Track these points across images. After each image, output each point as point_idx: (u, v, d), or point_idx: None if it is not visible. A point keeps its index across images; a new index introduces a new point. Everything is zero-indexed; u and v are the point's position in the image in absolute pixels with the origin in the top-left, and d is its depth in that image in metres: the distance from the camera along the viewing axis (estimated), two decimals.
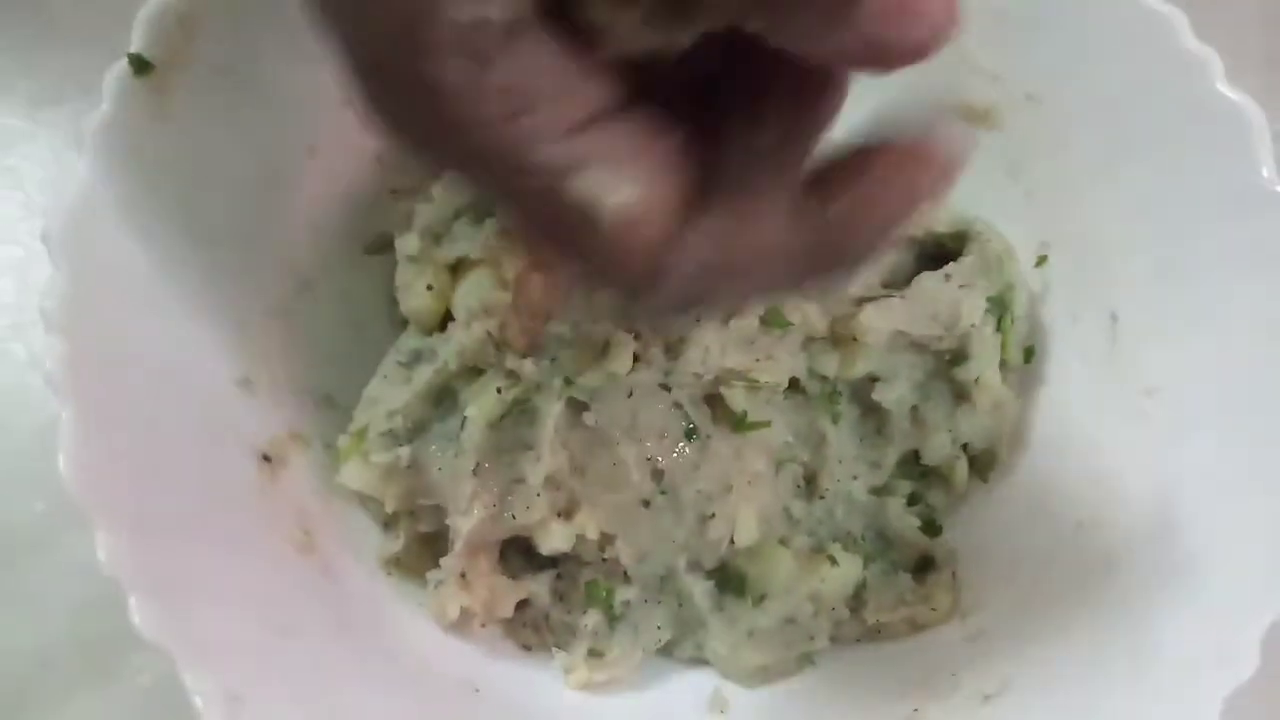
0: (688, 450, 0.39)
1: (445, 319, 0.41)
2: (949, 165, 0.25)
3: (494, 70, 0.21)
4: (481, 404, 0.39)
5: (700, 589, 0.40)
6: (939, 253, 0.43)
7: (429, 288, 0.41)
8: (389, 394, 0.41)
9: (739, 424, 0.40)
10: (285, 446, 0.40)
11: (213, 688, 0.30)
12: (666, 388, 0.39)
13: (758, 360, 0.39)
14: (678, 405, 0.39)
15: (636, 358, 0.38)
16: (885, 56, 0.22)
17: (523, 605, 0.40)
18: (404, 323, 0.42)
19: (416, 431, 0.40)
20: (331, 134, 0.41)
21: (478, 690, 0.39)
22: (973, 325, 0.41)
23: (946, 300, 0.41)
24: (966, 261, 0.42)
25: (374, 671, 0.36)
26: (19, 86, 0.54)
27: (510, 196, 0.24)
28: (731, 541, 0.39)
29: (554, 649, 0.41)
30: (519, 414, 0.39)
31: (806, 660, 0.40)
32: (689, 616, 0.40)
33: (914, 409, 0.42)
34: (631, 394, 0.39)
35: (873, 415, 0.42)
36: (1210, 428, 0.37)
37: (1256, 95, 0.36)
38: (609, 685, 0.40)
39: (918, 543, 0.42)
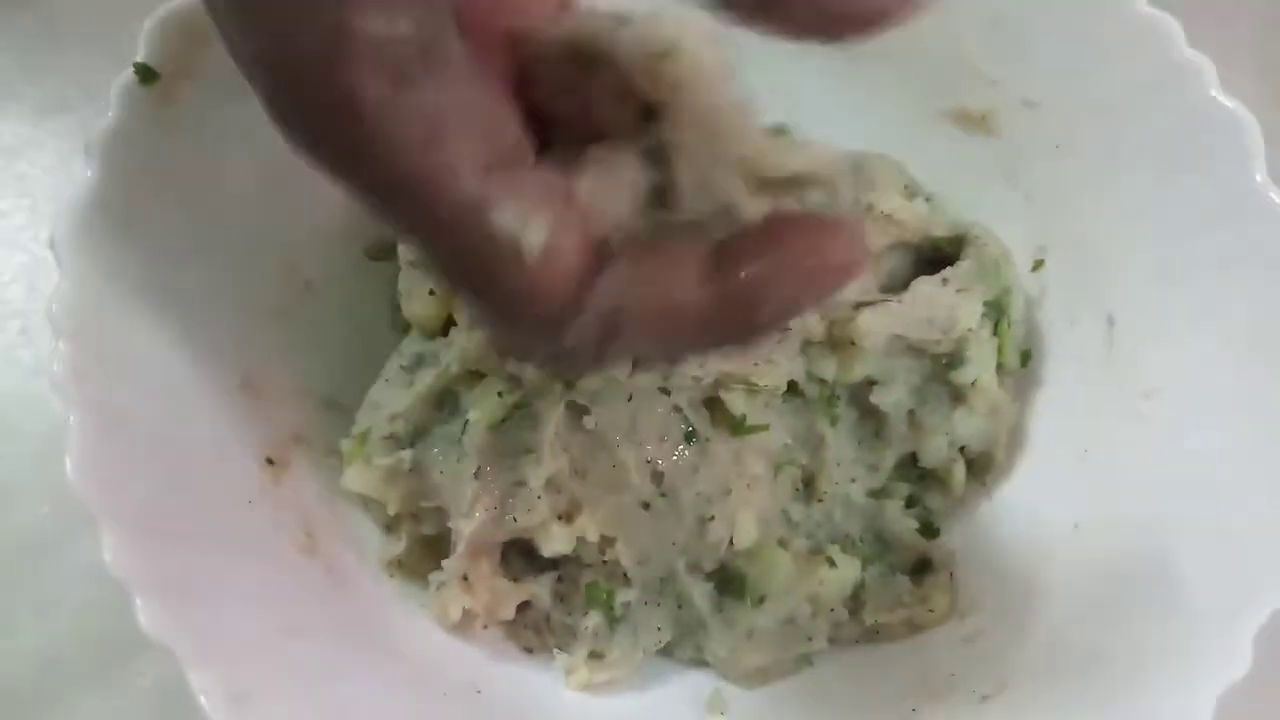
0: (687, 453, 0.39)
1: (447, 323, 0.42)
2: (853, 259, 0.26)
3: (414, 91, 0.21)
4: (483, 408, 0.39)
5: (700, 591, 0.40)
6: (936, 257, 0.44)
7: (431, 293, 0.41)
8: (391, 397, 0.41)
9: (738, 427, 0.40)
10: (289, 449, 0.40)
11: (217, 687, 0.30)
12: (666, 391, 0.39)
13: (756, 364, 0.40)
14: (677, 409, 0.40)
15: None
16: (834, 26, 0.22)
17: (524, 607, 0.41)
18: (406, 327, 0.43)
19: (419, 435, 0.41)
20: None
21: (479, 691, 0.39)
22: (970, 329, 0.41)
23: (943, 304, 0.41)
24: (963, 265, 0.42)
25: (377, 672, 0.37)
26: (26, 94, 0.54)
27: (421, 229, 0.23)
28: (731, 543, 0.39)
29: (555, 650, 0.41)
30: (520, 418, 0.40)
31: (805, 661, 0.41)
32: (688, 618, 0.40)
33: (911, 412, 0.42)
34: (631, 398, 0.39)
35: (871, 418, 0.42)
36: (1206, 430, 0.37)
37: (1251, 101, 0.37)
38: (609, 686, 0.40)
39: (916, 545, 0.42)
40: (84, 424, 0.32)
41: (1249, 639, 0.31)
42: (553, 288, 0.23)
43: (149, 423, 0.34)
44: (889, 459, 0.43)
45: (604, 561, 0.40)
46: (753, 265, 0.25)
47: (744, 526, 0.40)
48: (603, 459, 0.39)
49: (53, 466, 0.31)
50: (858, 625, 0.41)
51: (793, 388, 0.41)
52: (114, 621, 0.43)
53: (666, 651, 0.41)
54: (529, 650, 0.41)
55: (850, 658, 0.41)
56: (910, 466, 0.43)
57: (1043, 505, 0.41)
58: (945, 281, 0.42)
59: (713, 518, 0.39)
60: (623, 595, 0.40)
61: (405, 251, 0.42)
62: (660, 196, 0.25)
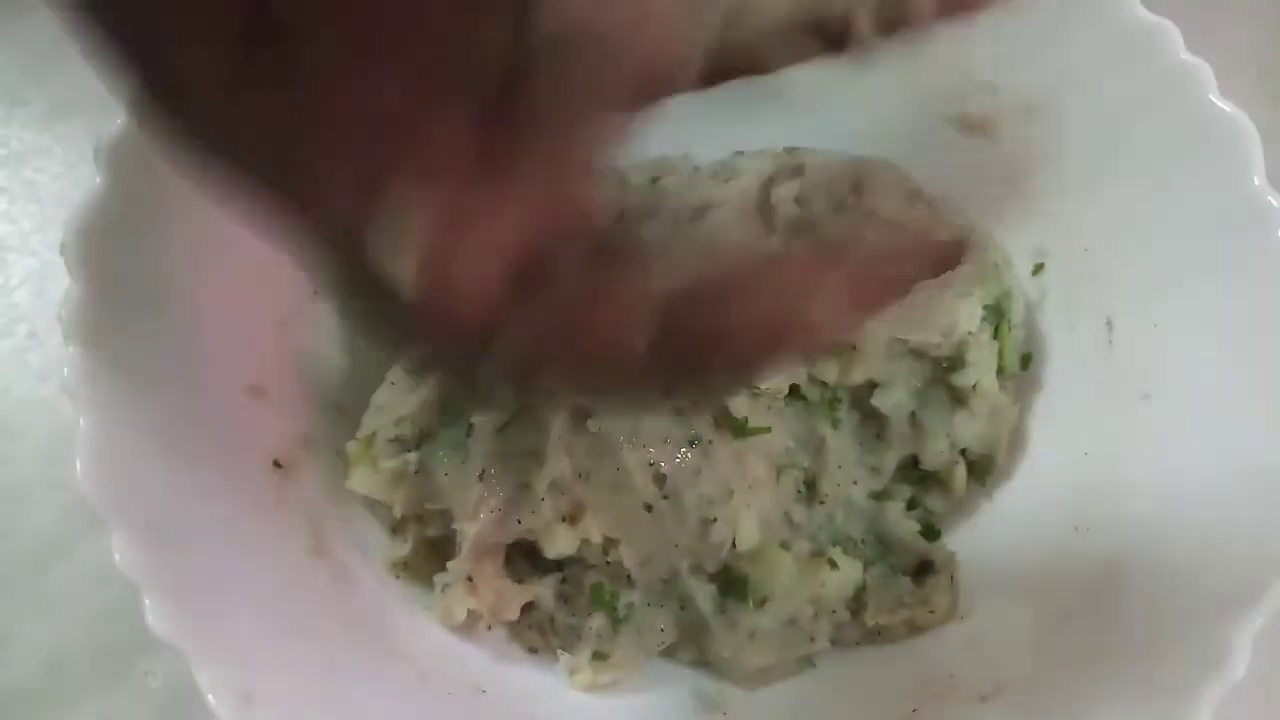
0: (690, 456, 0.40)
1: None
2: (835, 319, 0.22)
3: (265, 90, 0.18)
4: (488, 411, 0.40)
5: (702, 592, 0.40)
6: None
7: None
8: (397, 401, 0.41)
9: (740, 430, 0.40)
10: (296, 453, 0.40)
11: (225, 687, 0.31)
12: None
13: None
14: (680, 411, 0.40)
15: None
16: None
17: (528, 608, 0.41)
18: None
19: (424, 438, 0.41)
20: None
21: (484, 691, 0.39)
22: (970, 332, 0.41)
23: (944, 308, 0.41)
24: (964, 269, 0.42)
25: (382, 672, 0.37)
26: (35, 99, 0.55)
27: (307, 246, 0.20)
28: (733, 545, 0.40)
29: (559, 651, 0.41)
30: (524, 421, 0.40)
31: (807, 662, 0.41)
32: (691, 619, 0.40)
33: (913, 415, 0.42)
34: None
35: (872, 421, 0.43)
36: (1205, 431, 0.37)
37: (1249, 104, 0.37)
38: (613, 686, 0.40)
39: (917, 547, 0.42)
40: (94, 427, 0.32)
41: (1247, 640, 0.32)
42: (444, 315, 0.20)
43: (157, 425, 0.34)
44: (890, 461, 0.43)
45: (607, 563, 0.40)
46: (704, 319, 0.21)
47: (746, 528, 0.40)
48: (606, 461, 0.39)
49: (61, 469, 0.32)
50: (859, 626, 0.41)
51: (794, 390, 0.41)
52: (123, 622, 0.44)
53: (669, 652, 0.41)
54: (533, 651, 0.41)
55: (852, 659, 0.41)
56: (911, 469, 0.43)
57: (1043, 507, 0.41)
58: (946, 285, 0.42)
59: (715, 520, 0.39)
60: (626, 596, 0.40)
61: None
62: None
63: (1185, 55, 0.38)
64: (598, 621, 0.40)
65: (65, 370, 0.33)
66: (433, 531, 0.41)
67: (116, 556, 0.31)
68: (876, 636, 0.41)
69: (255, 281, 0.39)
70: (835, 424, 0.42)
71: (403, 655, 0.38)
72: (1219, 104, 0.37)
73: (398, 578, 0.41)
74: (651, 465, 0.39)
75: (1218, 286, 0.38)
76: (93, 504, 0.32)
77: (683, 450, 0.40)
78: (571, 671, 0.40)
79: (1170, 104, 0.38)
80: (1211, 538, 0.35)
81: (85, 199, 0.34)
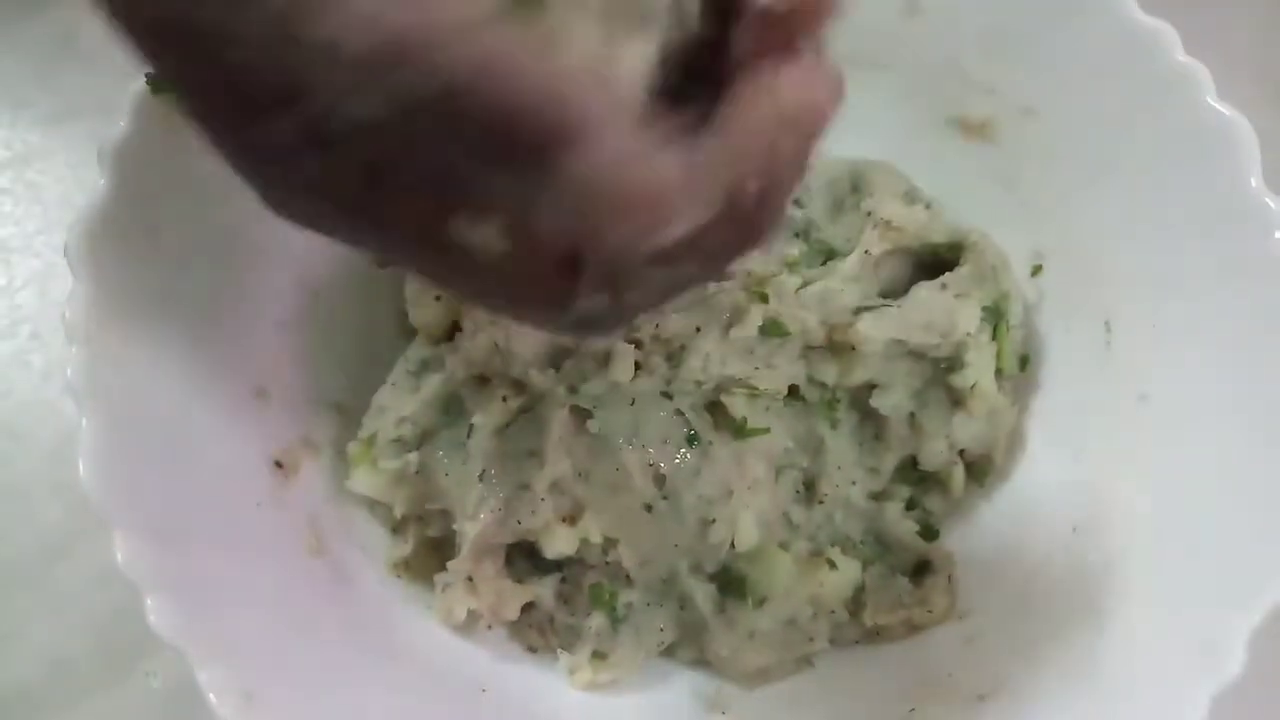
0: (689, 456, 0.40)
1: (453, 329, 0.42)
2: (830, 88, 0.23)
3: None
4: (488, 412, 0.40)
5: (702, 592, 0.40)
6: (935, 262, 0.44)
7: (437, 298, 0.42)
8: (398, 402, 0.41)
9: (739, 430, 0.40)
10: (297, 453, 0.40)
11: (227, 686, 0.31)
12: (668, 395, 0.40)
13: (757, 368, 0.40)
14: (679, 412, 0.40)
15: (638, 366, 0.39)
16: None
17: (528, 608, 0.41)
18: (413, 333, 0.43)
19: (425, 438, 0.41)
20: None
21: (484, 690, 0.39)
22: (969, 334, 0.41)
23: (942, 309, 0.41)
24: (962, 271, 0.43)
25: (384, 671, 0.37)
26: (39, 102, 0.55)
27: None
28: (732, 545, 0.40)
29: (559, 650, 0.41)
30: (524, 422, 0.40)
31: (806, 662, 0.41)
32: (690, 619, 0.40)
33: (911, 416, 0.43)
34: (634, 402, 0.39)
35: (871, 422, 0.43)
36: (1202, 432, 0.37)
37: (1247, 107, 0.37)
38: (612, 686, 0.40)
39: (915, 547, 0.42)
40: (97, 428, 0.32)
41: (1244, 640, 0.32)
42: (526, 299, 0.23)
43: (160, 426, 0.35)
44: (889, 462, 0.43)
45: (607, 563, 0.40)
46: (733, 120, 0.22)
47: (745, 528, 0.40)
48: (606, 462, 0.39)
49: (63, 470, 0.32)
50: (858, 626, 0.41)
51: (793, 391, 0.42)
52: (125, 622, 0.44)
53: (669, 652, 0.41)
54: (533, 650, 0.42)
55: (850, 658, 0.41)
56: (910, 469, 0.44)
57: (1041, 507, 0.41)
58: (944, 287, 0.42)
59: (714, 520, 0.40)
60: (625, 596, 0.40)
61: None
62: None
63: (1183, 57, 0.38)
64: (597, 621, 0.40)
65: (68, 371, 0.33)
66: (433, 531, 0.42)
67: (119, 557, 0.31)
68: (875, 636, 0.41)
69: (257, 283, 0.40)
70: (834, 425, 0.42)
71: (403, 655, 0.39)
72: (1217, 106, 0.37)
73: (398, 578, 0.42)
74: (651, 465, 0.39)
75: (1215, 288, 0.38)
76: (95, 505, 0.32)
77: (682, 451, 0.40)
78: (571, 671, 0.41)
79: (1168, 106, 0.38)
80: (1208, 538, 0.35)
81: (89, 201, 0.34)
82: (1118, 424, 0.40)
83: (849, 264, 0.43)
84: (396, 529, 0.42)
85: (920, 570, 0.42)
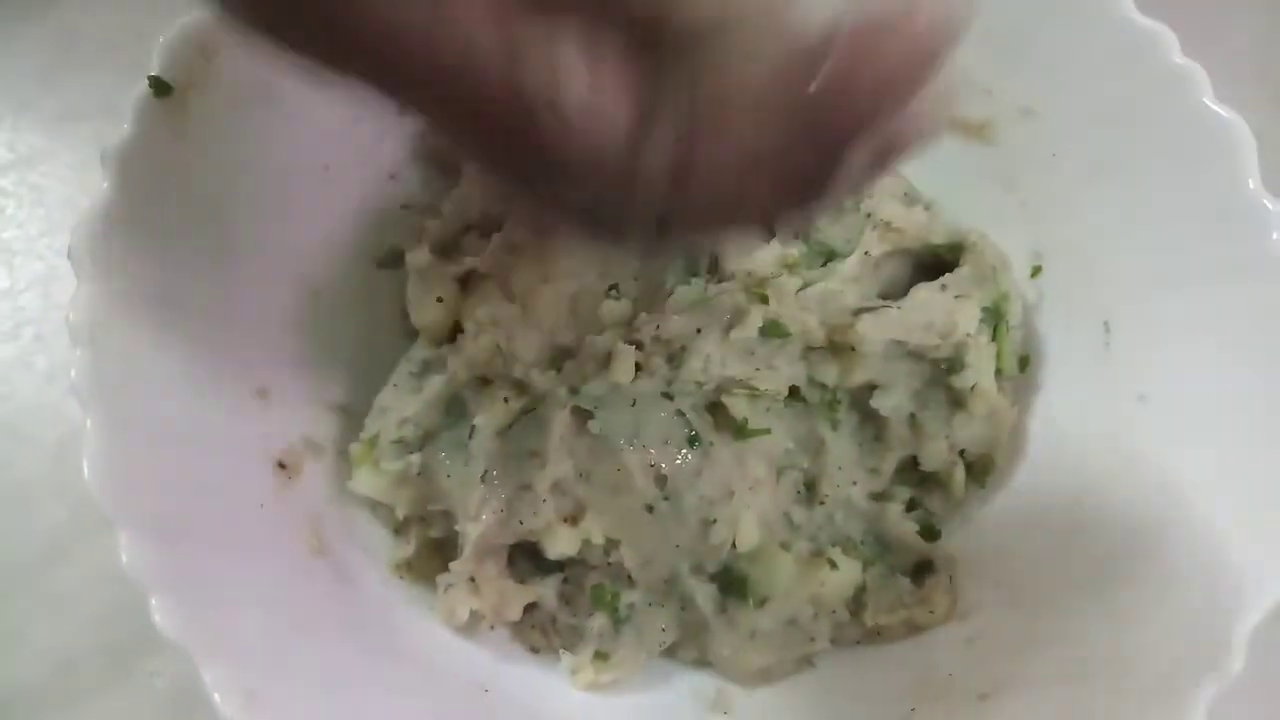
0: (690, 457, 0.40)
1: (455, 330, 0.42)
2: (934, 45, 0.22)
3: None
4: (490, 413, 0.40)
5: (703, 592, 0.40)
6: (935, 263, 0.44)
7: (439, 300, 0.42)
8: (400, 403, 0.42)
9: (740, 431, 0.40)
10: (300, 454, 0.40)
11: (230, 685, 0.31)
12: (669, 396, 0.40)
13: (758, 369, 0.40)
14: (680, 413, 0.40)
15: (639, 367, 0.39)
16: None
17: (530, 608, 0.41)
18: (415, 334, 0.43)
19: (427, 439, 0.41)
20: (344, 152, 0.42)
21: (486, 690, 0.39)
22: (969, 334, 0.41)
23: (942, 310, 0.42)
24: (962, 272, 0.43)
25: (386, 671, 0.37)
26: (42, 105, 0.55)
27: (439, 101, 0.21)
28: (733, 546, 0.40)
29: (561, 651, 0.41)
30: (526, 423, 0.40)
31: (807, 662, 0.41)
32: (692, 619, 0.41)
33: (912, 416, 0.43)
34: (635, 403, 0.40)
35: (871, 422, 0.43)
36: (1201, 432, 0.37)
37: (1245, 108, 0.37)
38: (614, 686, 0.40)
39: (916, 547, 0.42)
40: (100, 429, 0.33)
41: (1243, 640, 0.32)
42: (601, 147, 0.21)
43: (163, 427, 0.35)
44: (890, 462, 0.43)
45: (609, 563, 0.40)
46: (827, 71, 0.21)
47: (746, 529, 0.40)
48: (607, 463, 0.39)
49: (67, 471, 0.32)
50: (859, 626, 0.41)
51: (794, 392, 0.42)
52: (129, 622, 0.44)
53: (670, 652, 0.41)
54: (535, 650, 0.42)
55: (851, 658, 0.41)
56: (911, 470, 0.44)
57: (1041, 508, 0.41)
58: (944, 287, 0.42)
59: (715, 520, 0.40)
60: (627, 597, 0.40)
61: (413, 260, 0.43)
62: None
63: (1180, 59, 0.38)
64: (599, 621, 0.40)
65: (72, 373, 0.33)
66: (435, 532, 0.42)
67: (123, 557, 0.31)
68: (876, 636, 0.42)
69: (259, 285, 0.40)
70: (835, 425, 0.42)
71: (406, 655, 0.39)
72: (1215, 107, 0.37)
73: (401, 578, 0.42)
74: (652, 466, 0.39)
75: (1214, 288, 0.38)
76: (99, 505, 0.32)
77: (683, 451, 0.40)
78: (573, 671, 0.41)
79: (1166, 107, 0.38)
80: (1207, 538, 0.35)
81: (92, 203, 0.34)
82: (1117, 423, 0.40)
83: (849, 265, 0.43)
84: (398, 530, 0.42)
85: (921, 570, 0.42)
